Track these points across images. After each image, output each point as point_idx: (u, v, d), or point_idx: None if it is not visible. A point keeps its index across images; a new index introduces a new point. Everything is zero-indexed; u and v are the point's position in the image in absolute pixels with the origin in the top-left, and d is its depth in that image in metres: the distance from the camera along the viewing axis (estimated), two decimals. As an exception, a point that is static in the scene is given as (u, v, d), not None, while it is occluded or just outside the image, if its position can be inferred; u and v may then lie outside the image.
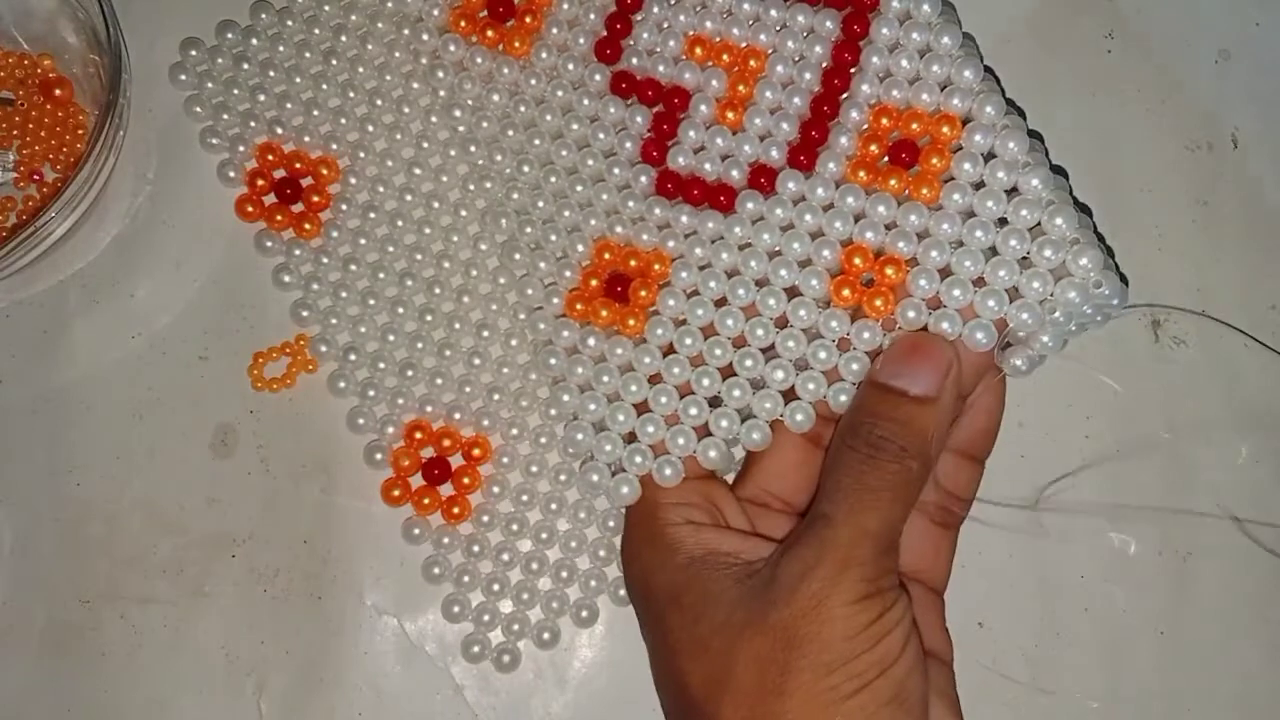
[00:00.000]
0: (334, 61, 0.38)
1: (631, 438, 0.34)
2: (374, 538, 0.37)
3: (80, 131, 0.39)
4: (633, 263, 0.36)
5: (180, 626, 0.37)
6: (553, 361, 0.36)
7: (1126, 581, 0.38)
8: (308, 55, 0.38)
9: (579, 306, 0.36)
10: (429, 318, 0.38)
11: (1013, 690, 0.37)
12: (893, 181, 0.34)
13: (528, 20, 0.38)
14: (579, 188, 0.37)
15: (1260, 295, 0.40)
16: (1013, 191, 0.33)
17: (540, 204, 0.37)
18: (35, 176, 0.38)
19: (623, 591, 0.37)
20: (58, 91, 0.38)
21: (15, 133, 0.38)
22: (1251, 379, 0.39)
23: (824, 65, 0.36)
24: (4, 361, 0.38)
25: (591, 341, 0.35)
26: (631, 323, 0.35)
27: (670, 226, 0.36)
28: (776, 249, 0.34)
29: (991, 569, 0.38)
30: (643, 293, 0.35)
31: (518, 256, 0.37)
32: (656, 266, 0.35)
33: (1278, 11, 0.41)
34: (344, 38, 0.38)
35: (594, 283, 0.36)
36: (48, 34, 0.39)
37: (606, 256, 0.36)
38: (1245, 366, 0.39)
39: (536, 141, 0.37)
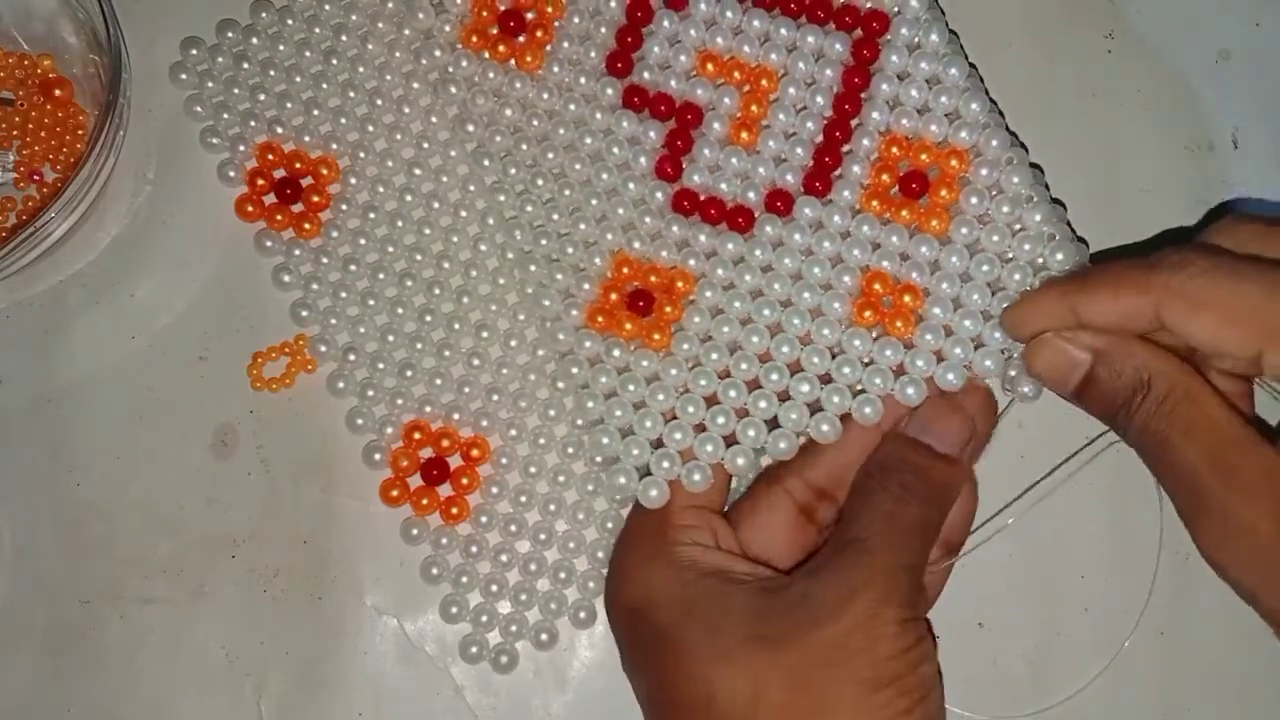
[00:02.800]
0: (334, 61, 0.38)
1: (657, 444, 0.35)
2: (374, 538, 0.37)
3: (80, 131, 0.39)
4: (653, 278, 0.36)
5: (180, 626, 0.37)
6: (575, 370, 0.36)
7: (1126, 581, 0.38)
8: (308, 54, 0.38)
9: (600, 319, 0.36)
10: (428, 318, 0.38)
11: (1013, 690, 0.37)
12: (904, 213, 0.35)
13: (539, 34, 0.38)
14: (594, 201, 0.37)
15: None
16: (1018, 224, 0.35)
17: (555, 216, 0.37)
18: (35, 176, 0.38)
19: None
20: (58, 91, 0.38)
21: (15, 133, 0.38)
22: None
23: (835, 90, 0.37)
24: (4, 361, 0.38)
25: (616, 353, 0.36)
26: (657, 337, 0.36)
27: (689, 245, 0.36)
28: (798, 272, 0.36)
29: (991, 569, 0.38)
30: (668, 309, 0.36)
31: (533, 268, 0.37)
32: (679, 284, 0.36)
33: (1278, 11, 0.41)
34: (344, 37, 0.38)
35: (614, 296, 0.36)
36: (48, 34, 0.39)
37: (625, 270, 0.36)
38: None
39: (550, 155, 0.37)
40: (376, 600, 0.37)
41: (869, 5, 0.37)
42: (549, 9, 0.38)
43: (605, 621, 0.37)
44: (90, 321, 0.38)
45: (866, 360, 0.35)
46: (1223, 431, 0.29)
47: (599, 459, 0.36)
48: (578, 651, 0.37)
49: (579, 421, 0.37)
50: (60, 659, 0.37)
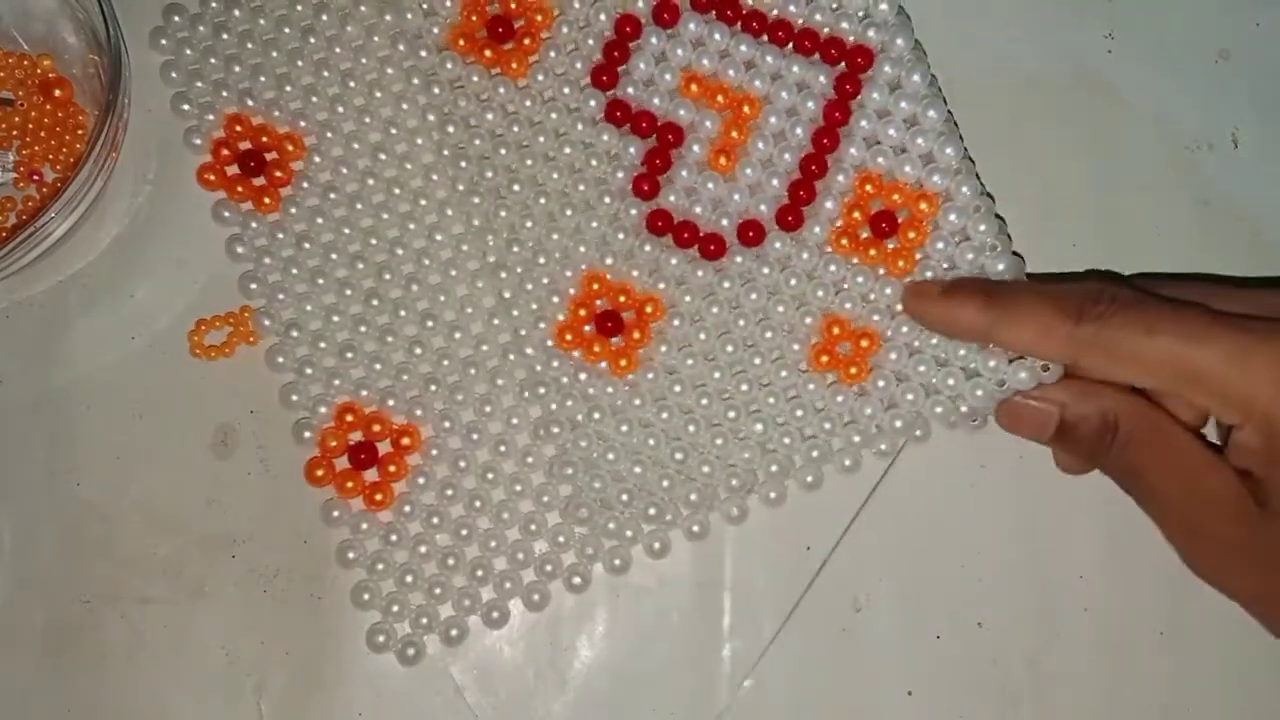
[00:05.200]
0: (312, 40, 0.38)
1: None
2: (374, 538, 0.37)
3: (80, 131, 0.39)
4: (622, 298, 0.37)
5: (180, 626, 0.37)
6: (542, 391, 0.37)
7: (1126, 581, 0.38)
8: (287, 31, 0.38)
9: (568, 337, 0.36)
10: (375, 302, 0.37)
11: (1013, 690, 0.37)
12: (872, 252, 0.36)
13: (526, 42, 0.38)
14: (568, 212, 0.37)
15: (1260, 295, 0.40)
16: (981, 270, 0.36)
17: (529, 224, 0.37)
18: (35, 176, 0.38)
19: (536, 596, 0.37)
20: (58, 91, 0.38)
21: (15, 133, 0.38)
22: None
23: (814, 124, 0.37)
24: (4, 361, 0.38)
25: (583, 377, 0.36)
26: (623, 363, 0.36)
27: (659, 268, 0.37)
28: (763, 310, 0.37)
29: (991, 569, 0.38)
30: (636, 334, 0.36)
31: (504, 275, 0.37)
32: (648, 309, 0.37)
33: (1278, 11, 0.41)
34: (325, 17, 0.38)
35: (582, 312, 0.37)
36: (48, 34, 0.39)
37: (595, 287, 0.37)
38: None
39: (529, 162, 0.37)
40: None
41: (855, 40, 0.37)
42: (538, 18, 0.38)
43: (606, 622, 0.37)
44: (90, 321, 0.38)
45: (819, 406, 0.36)
46: (1187, 456, 0.32)
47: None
48: (578, 651, 0.37)
49: (548, 456, 0.37)
50: (60, 659, 0.37)
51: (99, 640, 0.37)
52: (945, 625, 0.38)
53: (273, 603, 0.37)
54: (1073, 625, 0.38)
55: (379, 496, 0.37)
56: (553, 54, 0.38)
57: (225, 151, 0.38)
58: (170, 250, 0.39)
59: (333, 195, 0.38)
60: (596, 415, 0.36)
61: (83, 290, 0.38)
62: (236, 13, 0.38)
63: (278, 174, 0.38)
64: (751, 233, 0.37)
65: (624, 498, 0.36)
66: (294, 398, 0.37)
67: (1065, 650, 0.38)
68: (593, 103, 0.37)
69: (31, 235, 0.35)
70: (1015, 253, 0.36)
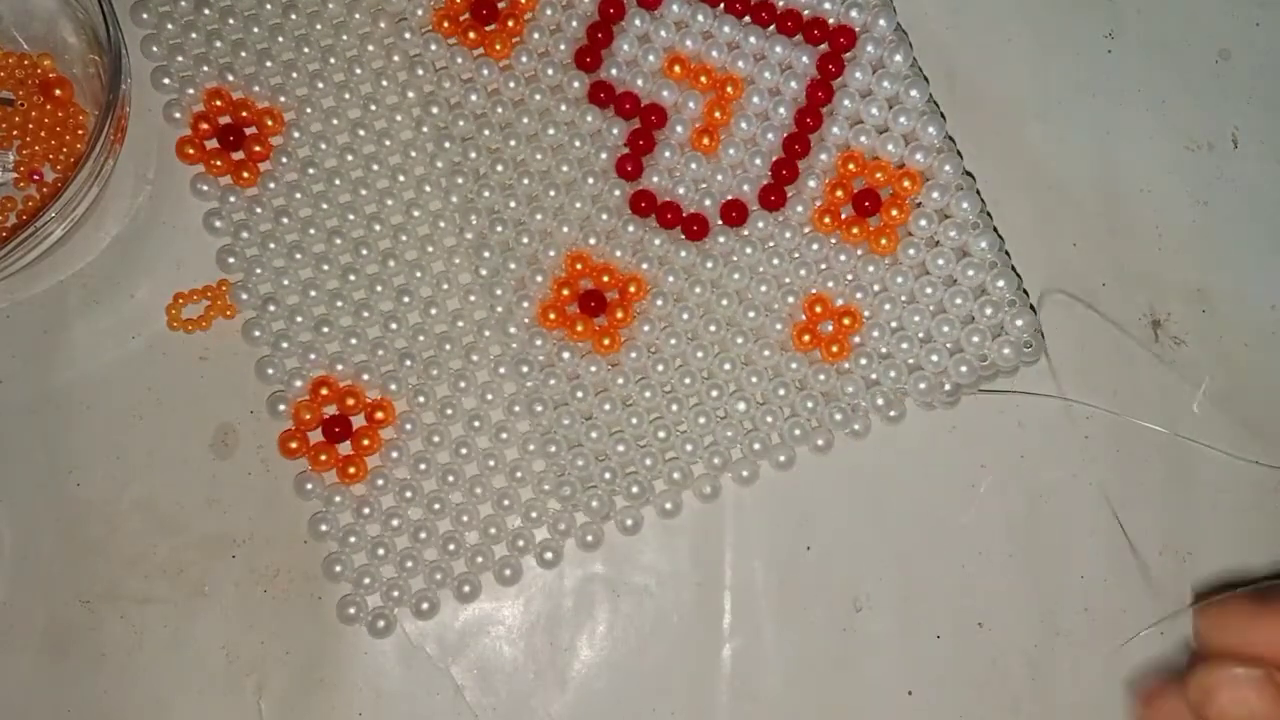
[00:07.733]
0: (293, 16, 0.38)
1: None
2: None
3: (80, 131, 0.39)
4: (605, 278, 0.37)
5: (180, 626, 0.37)
6: (525, 369, 0.37)
7: (1126, 581, 0.38)
8: (269, 6, 0.38)
9: (552, 316, 0.37)
10: (352, 277, 0.38)
11: (1013, 690, 0.37)
12: (854, 230, 0.37)
13: (510, 24, 0.38)
14: (551, 193, 0.37)
15: (1260, 295, 0.40)
16: (962, 250, 0.37)
17: (512, 204, 0.37)
18: (35, 176, 0.38)
19: (508, 571, 0.37)
20: (58, 91, 0.38)
21: (15, 133, 0.38)
22: (1251, 379, 0.39)
23: (797, 103, 0.37)
24: (4, 361, 0.38)
25: (566, 355, 0.37)
26: (606, 342, 0.37)
27: (643, 247, 0.37)
28: (745, 289, 0.37)
29: (991, 569, 0.38)
30: (619, 314, 0.37)
31: (487, 254, 0.37)
32: (632, 288, 0.37)
33: (1278, 11, 0.41)
34: None
35: (565, 292, 0.37)
36: (48, 34, 0.39)
37: (578, 267, 0.37)
38: (1246, 367, 0.39)
39: (512, 143, 0.38)
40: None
41: (838, 20, 0.37)
42: (522, 0, 0.38)
43: (606, 621, 0.37)
44: (90, 321, 0.38)
45: (800, 384, 0.37)
46: None
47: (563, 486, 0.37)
48: (578, 651, 0.37)
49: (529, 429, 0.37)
50: (60, 659, 0.37)
51: (99, 640, 0.37)
52: (945, 625, 0.38)
53: (273, 603, 0.37)
54: (1073, 625, 0.38)
55: (352, 470, 0.37)
56: (536, 35, 0.38)
57: (205, 126, 0.38)
58: (170, 250, 0.39)
59: (311, 170, 0.38)
60: (579, 394, 0.37)
61: (83, 290, 0.38)
62: None
63: (257, 149, 0.38)
64: (734, 212, 0.37)
65: (606, 475, 0.36)
66: (269, 371, 0.37)
67: (1065, 650, 0.38)
68: (576, 84, 0.38)
69: (31, 235, 0.35)
70: (995, 230, 0.37)
